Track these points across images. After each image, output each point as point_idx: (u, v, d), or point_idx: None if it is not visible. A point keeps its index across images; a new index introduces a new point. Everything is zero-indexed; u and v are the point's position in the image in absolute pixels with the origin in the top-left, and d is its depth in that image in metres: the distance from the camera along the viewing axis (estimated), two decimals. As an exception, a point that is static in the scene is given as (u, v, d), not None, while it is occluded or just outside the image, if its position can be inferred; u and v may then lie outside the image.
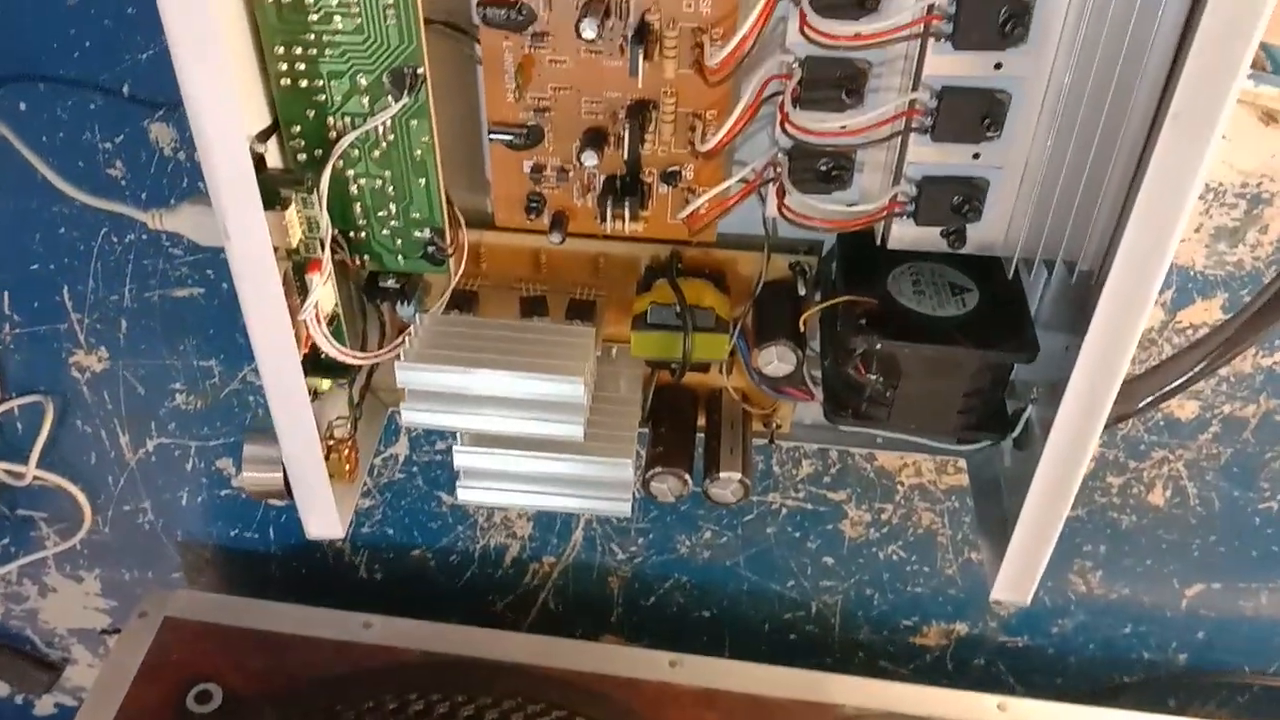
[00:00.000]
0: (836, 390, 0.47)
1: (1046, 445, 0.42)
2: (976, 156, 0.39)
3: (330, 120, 0.42)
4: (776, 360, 0.47)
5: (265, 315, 0.41)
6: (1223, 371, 0.63)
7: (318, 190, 0.41)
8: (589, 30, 0.39)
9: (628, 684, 0.68)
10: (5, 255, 0.66)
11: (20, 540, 0.82)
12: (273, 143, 0.42)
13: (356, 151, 0.43)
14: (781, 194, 0.41)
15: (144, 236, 0.64)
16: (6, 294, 0.68)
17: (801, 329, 0.47)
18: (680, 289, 0.47)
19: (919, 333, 0.43)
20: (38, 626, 0.90)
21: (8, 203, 0.63)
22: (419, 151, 0.42)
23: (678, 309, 0.47)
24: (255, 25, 0.39)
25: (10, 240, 0.65)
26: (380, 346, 0.49)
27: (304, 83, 0.41)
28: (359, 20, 0.39)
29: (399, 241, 0.45)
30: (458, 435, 0.49)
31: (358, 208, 0.44)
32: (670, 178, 0.45)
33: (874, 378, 0.44)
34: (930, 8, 0.36)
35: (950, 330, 0.43)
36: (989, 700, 0.68)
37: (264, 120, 0.41)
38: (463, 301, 0.50)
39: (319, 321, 0.42)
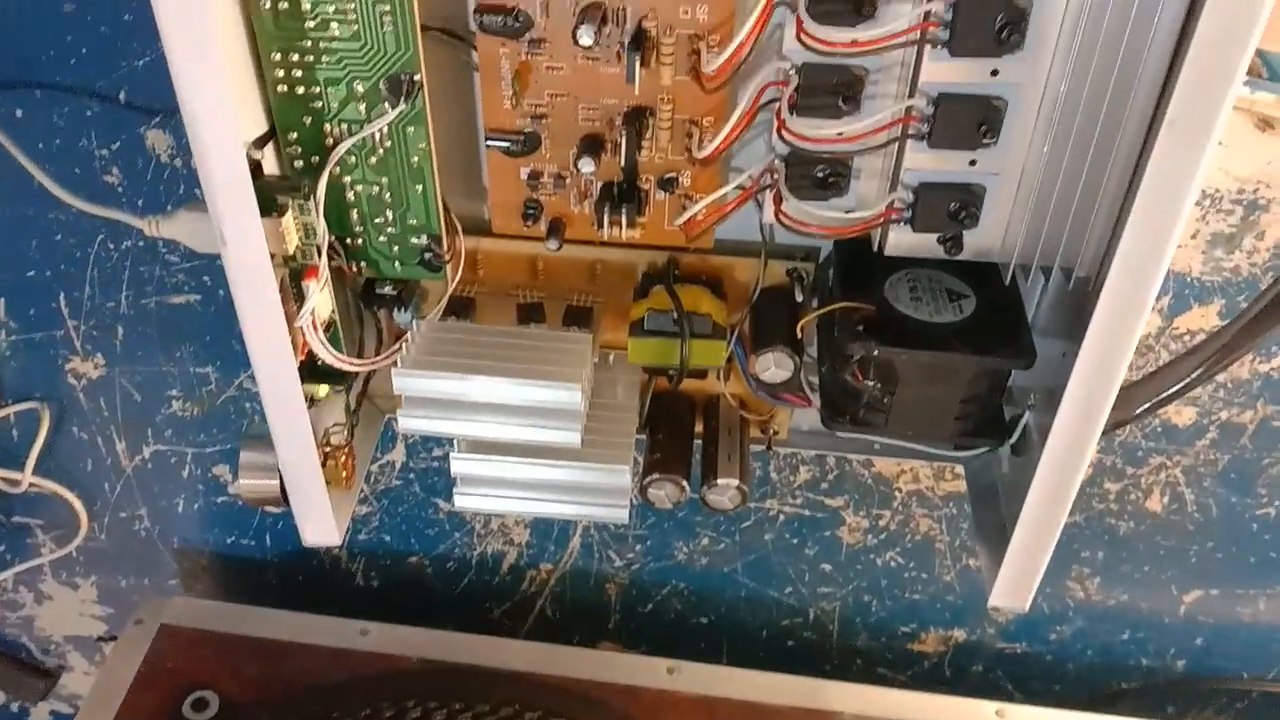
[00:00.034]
0: (834, 396, 0.47)
1: (1044, 451, 0.42)
2: (973, 163, 0.39)
3: (327, 127, 0.42)
4: (774, 366, 0.47)
5: (262, 322, 0.41)
6: (1220, 377, 0.63)
7: (314, 197, 0.41)
8: (586, 37, 0.39)
9: (626, 691, 0.68)
10: (2, 262, 0.66)
11: (16, 547, 0.82)
12: (269, 149, 0.42)
13: (353, 158, 0.43)
14: (778, 200, 0.41)
15: (140, 243, 0.64)
16: (3, 301, 0.68)
17: (799, 335, 0.47)
18: (677, 295, 0.47)
19: (916, 339, 0.43)
20: (33, 634, 0.90)
21: (4, 209, 0.63)
22: (416, 158, 0.42)
23: (675, 315, 0.47)
24: (252, 31, 0.39)
25: (7, 247, 0.65)
26: (377, 353, 0.49)
27: (301, 89, 0.41)
28: (356, 27, 0.39)
29: (396, 248, 0.45)
30: (455, 442, 0.48)
31: (354, 214, 0.44)
32: (667, 184, 0.44)
33: (871, 384, 0.44)
34: (927, 14, 0.36)
35: (947, 336, 0.43)
36: (987, 707, 0.68)
37: (261, 127, 0.41)
38: (460, 308, 0.50)
39: (316, 328, 0.42)
